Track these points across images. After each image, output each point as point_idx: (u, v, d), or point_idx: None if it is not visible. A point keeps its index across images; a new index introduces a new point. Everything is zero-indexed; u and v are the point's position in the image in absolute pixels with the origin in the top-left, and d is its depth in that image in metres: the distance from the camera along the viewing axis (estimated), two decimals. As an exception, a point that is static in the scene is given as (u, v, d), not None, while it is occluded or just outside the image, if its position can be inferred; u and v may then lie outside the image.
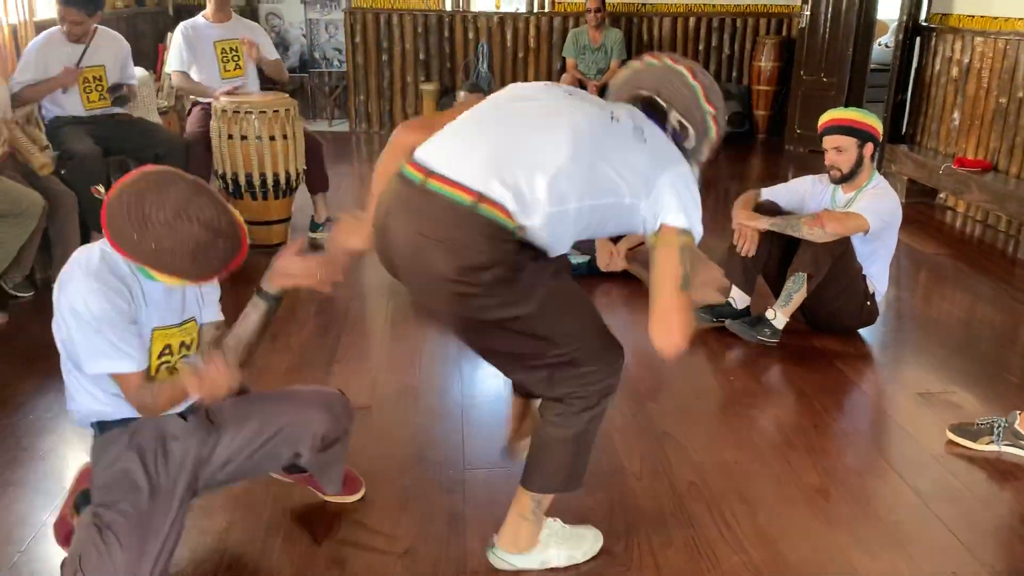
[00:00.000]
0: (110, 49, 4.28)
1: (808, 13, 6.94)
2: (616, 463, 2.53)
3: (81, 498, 1.99)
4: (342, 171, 6.00)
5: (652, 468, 2.52)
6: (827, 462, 2.59)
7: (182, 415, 1.98)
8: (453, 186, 1.69)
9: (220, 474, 2.00)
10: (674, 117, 1.91)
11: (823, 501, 2.39)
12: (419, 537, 2.19)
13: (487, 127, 1.82)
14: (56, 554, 2.08)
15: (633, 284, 3.92)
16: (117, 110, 4.30)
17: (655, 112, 1.91)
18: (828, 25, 6.89)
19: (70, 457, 2.63)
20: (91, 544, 1.77)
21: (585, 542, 2.13)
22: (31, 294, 3.74)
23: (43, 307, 3.64)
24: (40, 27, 4.52)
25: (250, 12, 7.64)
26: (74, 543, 1.86)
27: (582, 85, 6.88)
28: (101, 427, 1.95)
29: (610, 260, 3.84)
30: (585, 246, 3.75)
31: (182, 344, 1.96)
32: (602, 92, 6.86)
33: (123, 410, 1.91)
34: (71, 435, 2.73)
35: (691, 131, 1.92)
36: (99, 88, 4.18)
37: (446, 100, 7.11)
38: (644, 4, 7.40)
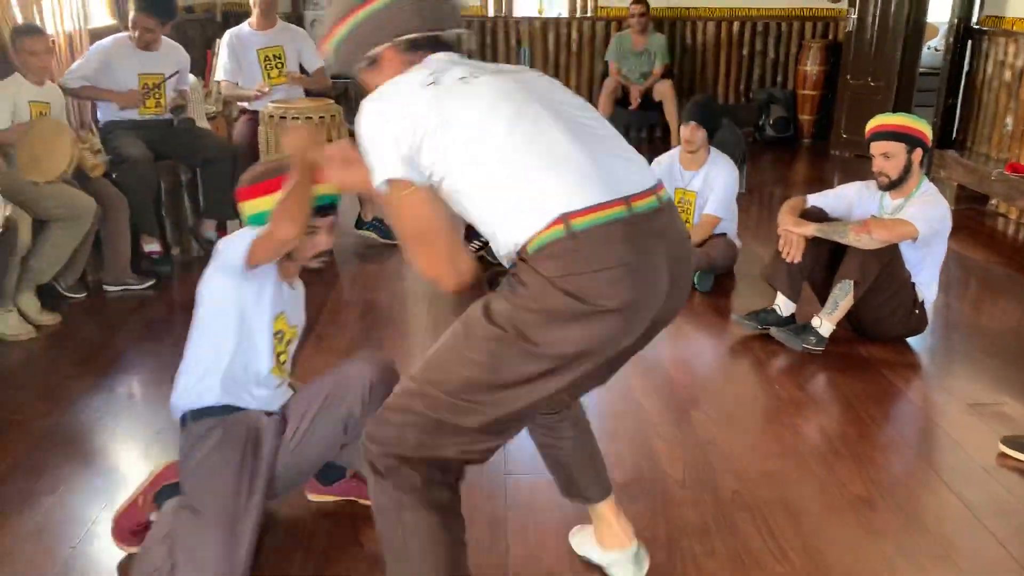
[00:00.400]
0: (170, 59, 4.38)
1: (855, 16, 6.84)
2: (659, 471, 2.52)
3: (166, 491, 2.08)
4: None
5: (695, 476, 2.50)
6: (873, 472, 2.55)
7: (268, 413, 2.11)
8: (650, 194, 1.53)
9: (290, 460, 2.07)
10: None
11: (869, 511, 2.35)
12: (460, 541, 2.20)
13: (559, 146, 1.51)
14: (107, 550, 2.13)
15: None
16: (168, 116, 4.38)
17: None
18: (876, 28, 6.79)
19: (120, 455, 2.70)
20: (186, 526, 1.85)
21: None
22: (83, 295, 3.83)
23: (95, 308, 3.77)
24: (94, 34, 4.64)
25: (296, 19, 7.74)
26: (160, 529, 1.95)
27: (625, 89, 6.87)
28: (196, 415, 2.04)
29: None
30: None
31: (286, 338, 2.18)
32: (646, 96, 6.78)
33: (228, 395, 2.06)
34: (121, 434, 2.79)
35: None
36: (156, 95, 4.27)
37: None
38: (687, 8, 7.36)
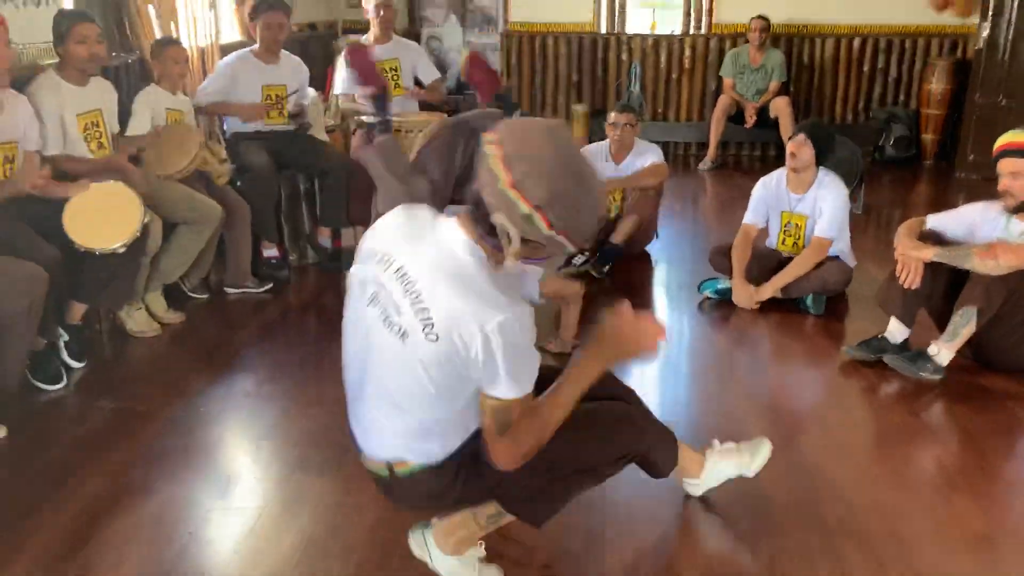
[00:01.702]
0: (292, 71, 4.58)
1: (987, 34, 6.53)
2: (762, 495, 2.45)
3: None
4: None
5: (800, 501, 2.43)
6: (995, 509, 2.41)
7: None
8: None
9: None
10: (499, 220, 1.56)
11: (989, 551, 2.23)
12: (556, 553, 2.20)
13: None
14: (222, 537, 2.23)
15: (775, 315, 3.81)
16: (291, 127, 4.56)
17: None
18: (1010, 45, 6.46)
19: (235, 448, 2.82)
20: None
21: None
22: (206, 296, 4.04)
23: (216, 308, 3.96)
24: (225, 49, 4.89)
25: (413, 36, 7.95)
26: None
27: (739, 106, 6.76)
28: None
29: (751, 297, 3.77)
30: None
31: None
32: (761, 114, 6.64)
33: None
34: (237, 427, 2.93)
35: (512, 236, 1.56)
36: (279, 106, 4.47)
37: (597, 121, 7.14)
38: (807, 24, 7.18)
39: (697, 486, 2.36)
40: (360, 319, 1.76)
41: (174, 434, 2.80)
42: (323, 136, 5.18)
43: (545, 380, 1.74)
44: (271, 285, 4.14)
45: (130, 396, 3.08)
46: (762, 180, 4.06)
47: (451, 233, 1.65)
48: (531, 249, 1.61)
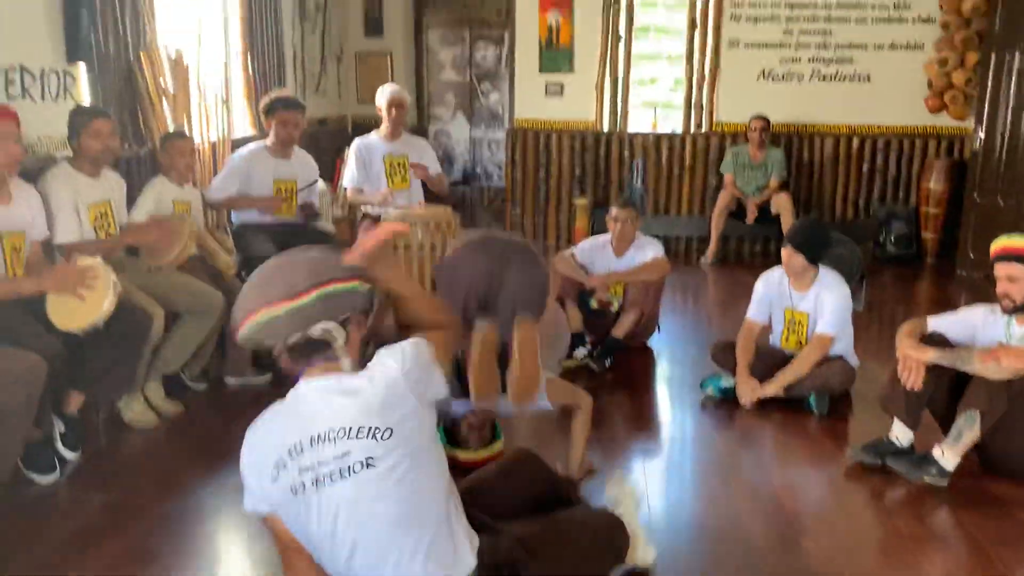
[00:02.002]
0: (302, 166, 4.68)
1: (983, 135, 6.67)
2: (764, 603, 2.39)
3: None
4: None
5: (804, 612, 2.36)
6: (1005, 624, 2.34)
7: None
8: None
9: None
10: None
11: (1001, 668, 2.14)
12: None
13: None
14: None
15: (778, 414, 3.78)
16: (298, 220, 4.63)
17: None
18: (1005, 146, 6.58)
19: (225, 546, 2.76)
20: None
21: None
22: (205, 386, 4.02)
23: (215, 399, 3.93)
24: (236, 144, 5.01)
25: (421, 131, 8.15)
26: None
27: (740, 202, 6.86)
28: None
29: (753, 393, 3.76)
30: None
31: None
32: (762, 210, 6.71)
33: None
34: (228, 525, 2.87)
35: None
36: (289, 200, 4.55)
37: (599, 214, 7.23)
38: (806, 124, 7.35)
39: None
40: (321, 514, 1.77)
41: (165, 531, 2.75)
42: (330, 227, 5.25)
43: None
44: (270, 376, 4.13)
45: (123, 489, 3.04)
46: (764, 276, 4.08)
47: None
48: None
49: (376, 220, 4.83)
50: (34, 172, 3.39)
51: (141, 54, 4.40)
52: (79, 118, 3.47)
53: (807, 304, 3.92)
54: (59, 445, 3.16)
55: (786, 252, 3.87)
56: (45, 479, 3.03)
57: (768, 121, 6.84)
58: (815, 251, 3.87)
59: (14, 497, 2.90)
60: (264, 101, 4.62)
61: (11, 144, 2.99)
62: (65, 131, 3.51)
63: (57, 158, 3.70)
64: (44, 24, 3.82)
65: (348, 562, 1.79)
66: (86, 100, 4.10)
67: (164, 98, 4.55)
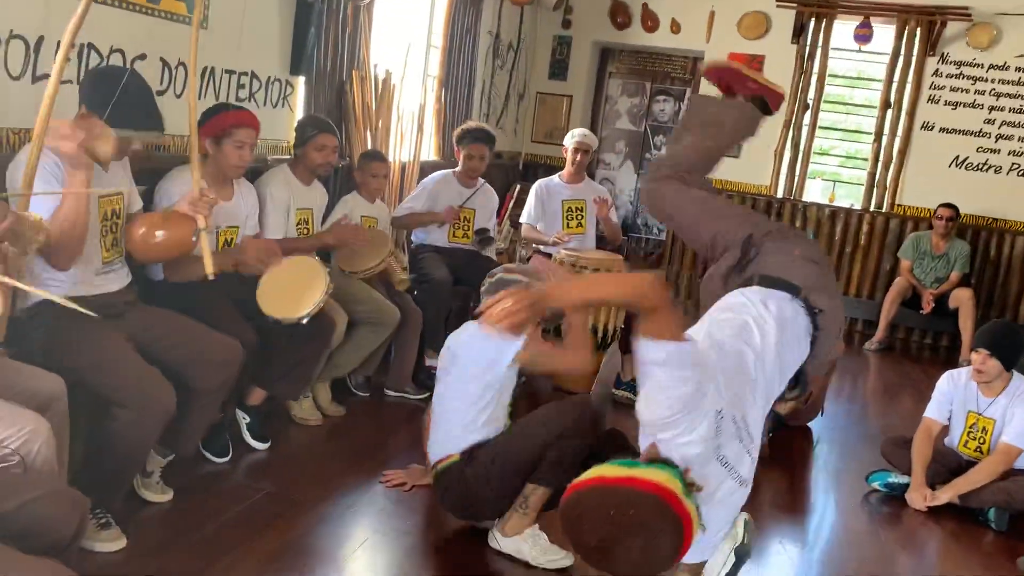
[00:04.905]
0: (486, 199, 4.84)
1: None
2: None
3: None
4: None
5: None
6: None
7: None
8: None
9: None
10: None
11: None
12: None
13: None
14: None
15: (950, 522, 3.53)
16: (473, 247, 4.75)
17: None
18: None
19: (371, 555, 2.81)
20: None
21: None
22: (367, 395, 4.14)
23: (374, 408, 4.05)
24: (424, 167, 5.20)
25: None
26: None
27: (915, 290, 6.52)
28: None
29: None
30: None
31: None
32: (939, 302, 6.34)
33: None
34: (377, 532, 2.92)
35: None
36: (465, 227, 4.70)
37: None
38: (997, 219, 6.93)
39: None
40: None
41: (322, 531, 2.84)
42: (493, 257, 5.36)
43: None
44: (427, 394, 4.20)
45: (286, 482, 3.15)
46: (949, 374, 3.85)
47: None
48: None
49: (547, 256, 4.89)
50: (251, 172, 3.61)
51: (353, 72, 4.64)
52: (308, 129, 3.69)
53: (995, 411, 3.66)
54: (247, 435, 3.35)
55: (979, 356, 3.63)
56: (219, 460, 3.19)
57: (957, 211, 6.49)
58: (1011, 356, 3.63)
59: (192, 473, 3.07)
60: (459, 130, 4.78)
61: (247, 151, 3.20)
62: (279, 136, 3.73)
63: (269, 160, 3.93)
64: (277, 37, 4.09)
65: None
66: (300, 111, 4.35)
67: (368, 117, 4.78)
